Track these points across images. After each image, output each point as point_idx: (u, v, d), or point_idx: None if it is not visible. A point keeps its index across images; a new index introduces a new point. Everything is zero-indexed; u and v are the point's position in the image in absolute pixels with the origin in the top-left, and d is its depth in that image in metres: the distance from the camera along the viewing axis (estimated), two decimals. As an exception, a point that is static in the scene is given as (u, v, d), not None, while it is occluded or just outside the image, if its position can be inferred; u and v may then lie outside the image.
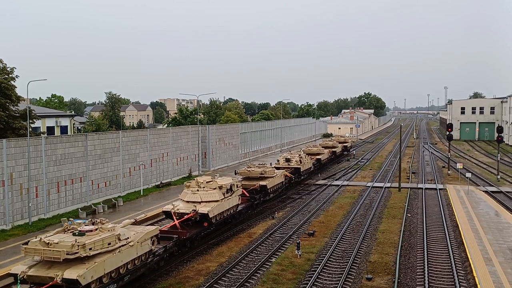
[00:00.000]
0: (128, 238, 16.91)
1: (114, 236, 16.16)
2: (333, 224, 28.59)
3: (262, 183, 31.71)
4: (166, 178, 41.52)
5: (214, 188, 24.66)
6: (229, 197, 25.61)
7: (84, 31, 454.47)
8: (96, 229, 16.04)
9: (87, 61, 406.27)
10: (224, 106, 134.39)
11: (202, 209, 23.21)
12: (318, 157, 48.98)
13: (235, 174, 33.59)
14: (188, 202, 24.03)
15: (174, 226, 22.44)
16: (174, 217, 22.87)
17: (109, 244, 15.83)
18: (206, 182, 25.11)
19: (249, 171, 33.02)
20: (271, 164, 40.20)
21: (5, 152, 26.22)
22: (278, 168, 38.24)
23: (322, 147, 56.61)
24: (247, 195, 30.10)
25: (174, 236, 21.06)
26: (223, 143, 53.56)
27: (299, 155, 42.07)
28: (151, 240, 18.35)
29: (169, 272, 20.46)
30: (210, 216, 23.26)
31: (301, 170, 40.47)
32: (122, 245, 16.43)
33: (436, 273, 20.21)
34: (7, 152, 26.37)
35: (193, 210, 22.96)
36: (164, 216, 26.16)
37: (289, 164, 39.90)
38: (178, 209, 23.36)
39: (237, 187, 26.69)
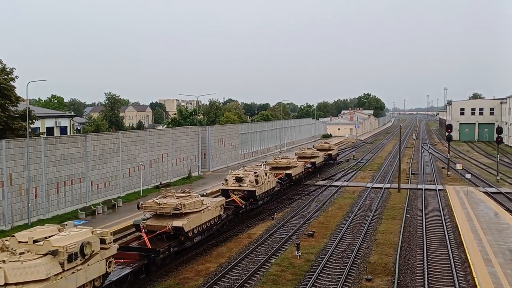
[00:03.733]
0: None
1: None
2: (333, 224, 28.59)
3: (177, 223, 20.91)
4: (165, 179, 41.50)
5: (43, 255, 13.48)
6: (78, 268, 14.36)
7: (84, 31, 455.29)
8: None
9: (87, 61, 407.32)
10: (224, 106, 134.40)
11: None
12: (288, 171, 38.90)
13: (138, 208, 22.55)
14: None
15: None
16: None
17: None
18: (33, 241, 13.92)
19: (158, 205, 21.63)
20: (226, 182, 30.94)
21: (4, 153, 26.20)
22: (224, 192, 30.24)
23: (299, 157, 47.08)
24: (149, 246, 19.80)
25: None
26: (223, 144, 53.55)
27: (255, 172, 31.20)
28: None
29: (169, 272, 20.45)
30: None
31: (257, 194, 30.47)
32: None
33: (436, 274, 20.21)
34: (7, 152, 26.36)
35: None
36: None
37: (240, 186, 30.21)
38: None
39: (105, 243, 15.52)
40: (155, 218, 21.88)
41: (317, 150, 53.32)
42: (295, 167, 40.11)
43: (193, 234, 22.17)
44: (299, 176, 41.97)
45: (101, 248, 15.40)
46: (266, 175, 32.67)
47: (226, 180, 31.09)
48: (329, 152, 55.59)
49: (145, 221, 21.74)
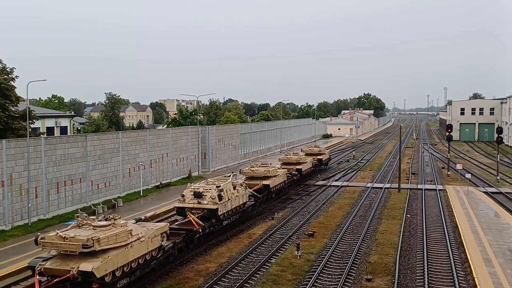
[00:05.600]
0: None
1: None
2: (333, 224, 28.60)
3: (86, 266, 15.26)
4: (166, 179, 41.51)
5: None
6: None
7: (85, 32, 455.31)
8: None
9: (87, 62, 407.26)
10: (224, 106, 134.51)
11: None
12: (265, 182, 33.56)
13: (36, 244, 16.20)
14: None
15: None
16: None
17: None
18: None
19: (64, 239, 15.68)
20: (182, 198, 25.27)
21: (4, 153, 26.20)
22: (180, 210, 25.14)
23: (282, 163, 42.31)
24: None
25: None
26: (223, 144, 53.56)
27: (218, 186, 25.68)
28: None
29: (169, 272, 20.46)
30: None
31: (220, 213, 25.09)
32: None
33: (436, 274, 20.22)
34: (7, 152, 26.35)
35: None
36: None
37: (199, 203, 24.84)
38: None
39: None
40: (59, 258, 16.02)
41: (306, 154, 47.76)
42: (274, 176, 34.72)
43: (114, 279, 16.34)
44: (280, 186, 36.54)
45: None
46: (234, 188, 27.48)
47: (183, 196, 25.45)
48: (319, 157, 49.79)
49: (44, 262, 15.78)
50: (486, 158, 66.98)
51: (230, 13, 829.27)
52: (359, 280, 19.47)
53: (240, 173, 35.30)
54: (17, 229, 26.05)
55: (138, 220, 20.18)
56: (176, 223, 24.28)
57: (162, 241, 19.40)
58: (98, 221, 17.18)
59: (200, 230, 23.50)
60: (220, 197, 25.26)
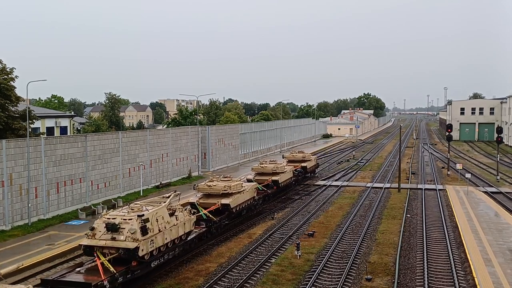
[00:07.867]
0: None
1: None
2: (333, 224, 28.60)
3: None
4: (165, 178, 41.51)
5: None
6: None
7: (85, 32, 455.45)
8: None
9: (87, 62, 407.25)
10: (224, 106, 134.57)
11: None
12: (225, 201, 26.59)
13: None
14: None
15: None
16: None
17: None
18: None
19: None
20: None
21: (4, 153, 26.21)
22: (88, 250, 17.79)
23: (256, 173, 36.40)
24: None
25: None
26: (223, 144, 53.57)
27: (140, 215, 18.10)
28: None
29: (169, 272, 20.46)
30: None
31: (143, 253, 17.79)
32: None
33: (436, 273, 20.22)
34: (7, 152, 26.36)
35: None
36: None
37: (114, 239, 17.60)
38: None
39: None
40: None
41: (288, 161, 42.83)
42: (238, 192, 27.87)
43: None
44: (248, 204, 29.68)
45: None
46: (172, 214, 20.19)
47: (93, 229, 18.06)
48: (303, 164, 43.51)
49: None
50: (486, 158, 66.99)
51: (230, 13, 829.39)
52: (359, 280, 19.47)
53: (194, 189, 28.41)
54: (17, 229, 26.04)
55: None
56: (80, 268, 17.50)
57: None
58: None
59: (106, 283, 16.20)
60: (144, 231, 17.84)
